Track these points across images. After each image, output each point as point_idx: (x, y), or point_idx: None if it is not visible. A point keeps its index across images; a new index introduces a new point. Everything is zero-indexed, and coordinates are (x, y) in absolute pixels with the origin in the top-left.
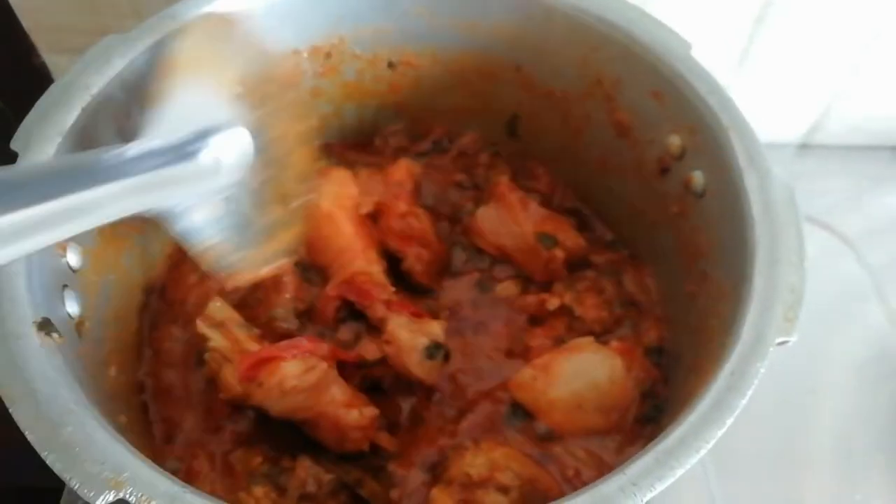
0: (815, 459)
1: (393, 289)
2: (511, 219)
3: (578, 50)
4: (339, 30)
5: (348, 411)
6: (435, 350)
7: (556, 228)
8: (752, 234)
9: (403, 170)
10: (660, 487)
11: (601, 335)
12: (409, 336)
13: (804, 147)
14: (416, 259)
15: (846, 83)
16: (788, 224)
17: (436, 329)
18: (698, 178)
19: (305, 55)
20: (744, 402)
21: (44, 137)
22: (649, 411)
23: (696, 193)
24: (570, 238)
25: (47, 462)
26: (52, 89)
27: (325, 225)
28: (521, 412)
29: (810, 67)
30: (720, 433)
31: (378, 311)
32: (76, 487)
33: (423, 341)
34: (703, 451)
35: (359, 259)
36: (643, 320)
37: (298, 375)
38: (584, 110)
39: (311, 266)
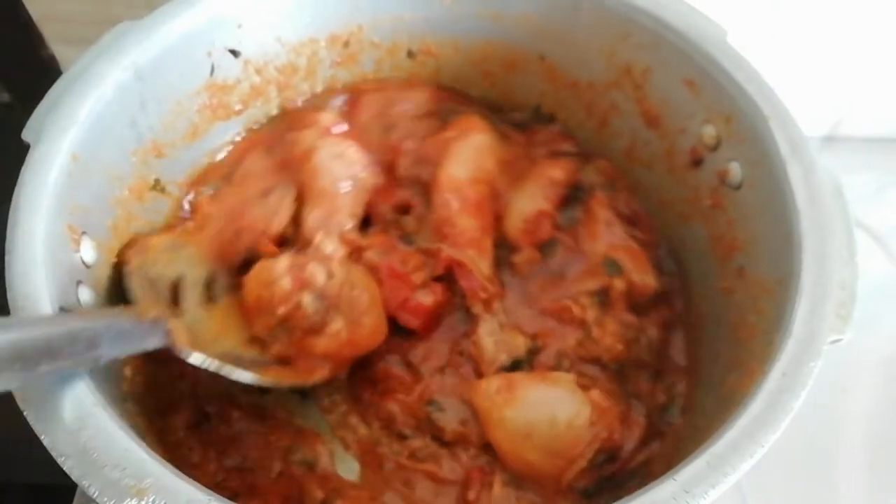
0: (848, 460)
1: (495, 288)
2: (589, 234)
3: (606, 38)
4: (357, 18)
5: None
6: (511, 369)
7: (630, 259)
8: (798, 227)
9: (564, 171)
10: (714, 495)
11: (608, 364)
12: (494, 349)
13: (829, 139)
14: (527, 261)
15: (871, 73)
16: (836, 217)
17: (520, 349)
18: (735, 169)
19: (323, 44)
20: (798, 403)
21: (57, 127)
22: (592, 486)
23: (732, 185)
24: (640, 275)
25: (64, 468)
26: (64, 77)
27: (451, 196)
28: None
29: (836, 58)
30: (775, 437)
31: (476, 306)
32: (95, 495)
33: (504, 359)
34: (757, 456)
35: (472, 248)
36: (665, 376)
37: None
38: (610, 100)
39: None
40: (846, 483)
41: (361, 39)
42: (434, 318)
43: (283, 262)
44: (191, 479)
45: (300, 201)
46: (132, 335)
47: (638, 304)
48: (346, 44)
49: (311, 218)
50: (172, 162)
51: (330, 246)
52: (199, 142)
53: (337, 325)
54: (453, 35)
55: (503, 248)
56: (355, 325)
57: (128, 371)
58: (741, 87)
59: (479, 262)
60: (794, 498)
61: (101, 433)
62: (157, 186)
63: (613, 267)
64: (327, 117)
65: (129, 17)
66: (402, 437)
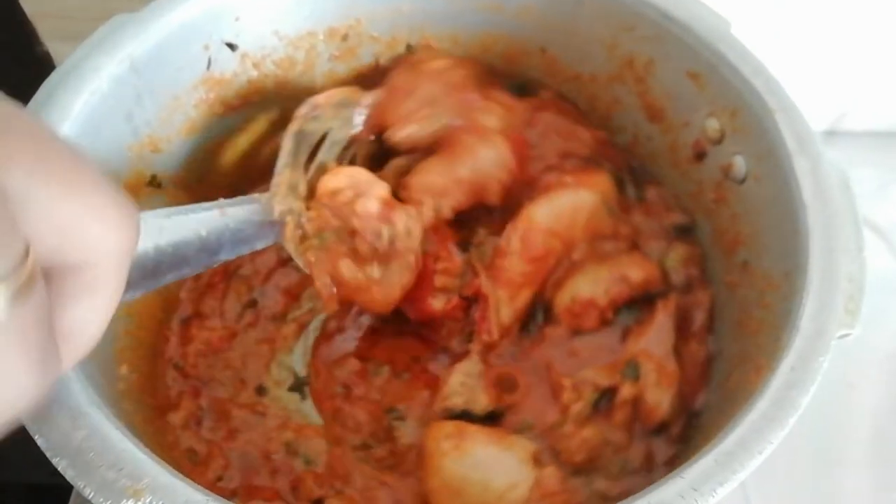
0: (852, 457)
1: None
2: (636, 334)
3: (608, 30)
4: (355, 11)
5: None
6: (459, 416)
7: (657, 373)
8: (805, 221)
9: (643, 273)
10: (721, 493)
11: (563, 463)
12: (456, 389)
13: (831, 134)
14: (555, 337)
15: (876, 67)
16: (844, 210)
17: (478, 405)
18: (739, 163)
19: (321, 37)
20: (807, 399)
21: (51, 122)
22: None
23: (736, 179)
24: (656, 395)
25: (59, 469)
26: (58, 71)
27: (518, 234)
28: None
29: (840, 53)
30: (783, 433)
31: (475, 346)
32: (90, 496)
33: (458, 403)
34: (766, 453)
35: (507, 291)
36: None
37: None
38: (613, 94)
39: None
40: (851, 479)
41: (360, 33)
42: (431, 322)
43: (384, 187)
44: (188, 479)
45: (432, 152)
46: (251, 237)
47: (639, 426)
48: (345, 37)
49: (428, 180)
50: (169, 157)
51: (430, 213)
52: (195, 137)
53: (376, 273)
54: (453, 28)
55: (542, 313)
56: (386, 283)
57: (124, 369)
58: (747, 80)
59: (503, 307)
60: (798, 494)
61: (96, 433)
62: (154, 182)
63: (632, 371)
64: (522, 110)
65: (125, 12)
66: (366, 446)
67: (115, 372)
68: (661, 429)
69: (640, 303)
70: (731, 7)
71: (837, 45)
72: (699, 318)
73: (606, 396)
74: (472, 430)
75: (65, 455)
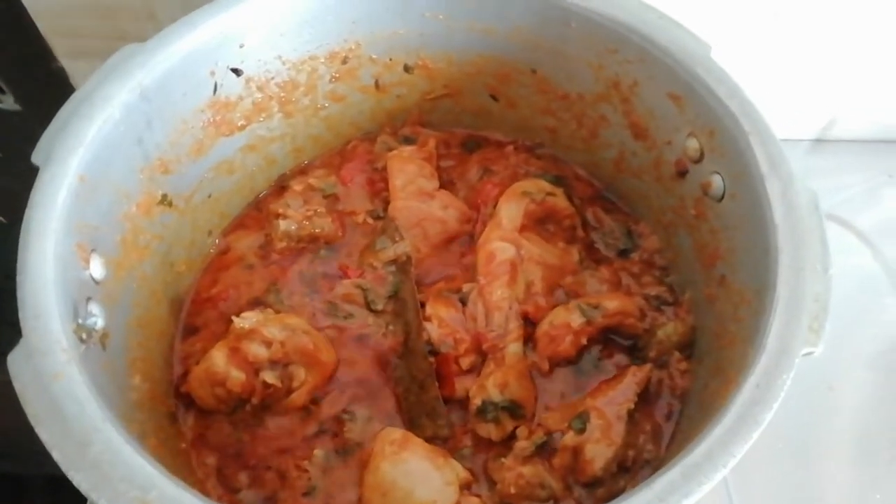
0: (834, 456)
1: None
2: (600, 389)
3: (595, 52)
4: (354, 35)
5: None
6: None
7: (601, 431)
8: (775, 240)
9: (620, 302)
10: None
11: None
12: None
13: (819, 142)
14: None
15: (863, 77)
16: (812, 231)
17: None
18: (717, 181)
19: (322, 60)
20: (770, 415)
21: (65, 149)
22: None
23: (715, 197)
24: (595, 449)
25: (74, 482)
26: (71, 100)
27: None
28: None
29: (827, 61)
30: (747, 447)
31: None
32: None
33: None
34: (730, 465)
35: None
36: None
37: None
38: (599, 112)
39: None
40: (832, 479)
41: (360, 55)
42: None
43: (219, 355)
44: (194, 490)
45: None
46: None
47: (573, 478)
48: (345, 60)
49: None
50: (179, 177)
51: (271, 331)
52: (204, 157)
53: (301, 374)
54: (447, 50)
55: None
56: (314, 362)
57: (136, 380)
58: (723, 102)
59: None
60: (779, 494)
61: (109, 448)
62: (165, 201)
63: (580, 422)
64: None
65: (135, 33)
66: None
67: (129, 382)
68: (592, 484)
69: (616, 349)
70: (721, 19)
71: (826, 57)
72: (668, 399)
73: (552, 440)
74: (416, 442)
75: (80, 468)
